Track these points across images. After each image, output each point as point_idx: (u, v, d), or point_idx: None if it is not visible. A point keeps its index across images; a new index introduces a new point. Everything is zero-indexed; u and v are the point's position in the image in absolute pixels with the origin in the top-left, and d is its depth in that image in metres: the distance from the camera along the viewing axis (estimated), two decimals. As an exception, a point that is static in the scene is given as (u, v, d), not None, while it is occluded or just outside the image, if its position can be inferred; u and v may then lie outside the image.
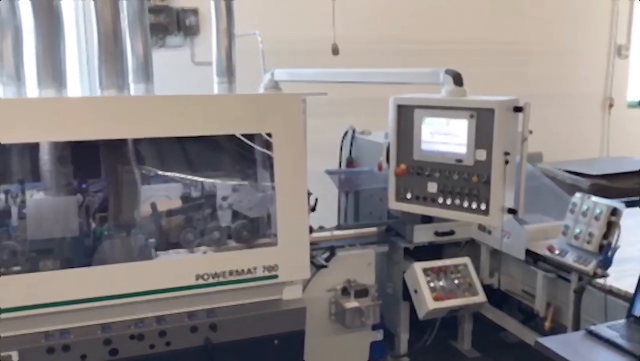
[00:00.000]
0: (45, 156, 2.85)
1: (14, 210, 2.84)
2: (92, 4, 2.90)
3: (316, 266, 3.26)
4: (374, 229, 3.69)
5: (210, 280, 2.86)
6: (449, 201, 2.78)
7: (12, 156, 3.02)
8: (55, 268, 2.75)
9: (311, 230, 3.14)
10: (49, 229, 2.80)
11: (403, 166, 2.87)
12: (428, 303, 3.41)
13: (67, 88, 2.95)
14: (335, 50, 3.51)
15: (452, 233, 3.75)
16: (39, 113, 2.68)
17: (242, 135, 3.10)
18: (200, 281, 2.84)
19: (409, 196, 2.89)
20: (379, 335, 3.58)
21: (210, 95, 3.22)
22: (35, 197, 2.87)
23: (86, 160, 3.01)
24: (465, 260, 3.67)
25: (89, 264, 2.80)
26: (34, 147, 2.85)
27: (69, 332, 2.69)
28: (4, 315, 2.60)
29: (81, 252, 2.83)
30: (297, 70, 3.48)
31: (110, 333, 2.71)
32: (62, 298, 2.68)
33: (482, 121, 2.62)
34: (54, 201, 2.86)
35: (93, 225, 2.91)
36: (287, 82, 3.64)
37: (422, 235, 3.68)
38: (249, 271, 2.91)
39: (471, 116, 2.66)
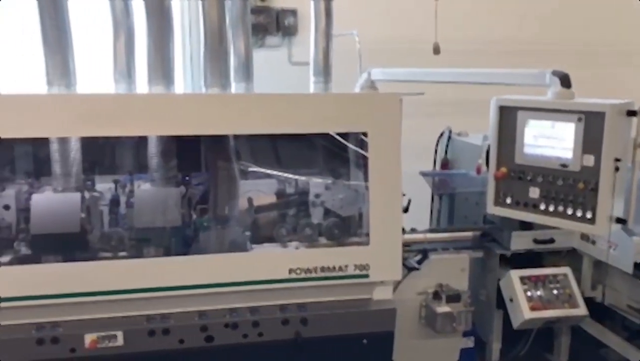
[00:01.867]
0: (152, 150, 3.02)
1: (123, 199, 3.04)
2: (199, 4, 3.03)
3: (408, 268, 3.23)
4: (468, 233, 3.59)
5: (303, 275, 2.90)
6: (551, 208, 2.67)
7: (122, 149, 3.24)
8: (158, 255, 2.90)
9: (403, 231, 3.11)
10: (154, 218, 2.96)
11: (503, 170, 2.79)
12: (524, 313, 3.28)
13: (174, 85, 3.10)
14: (437, 50, 3.44)
15: (552, 241, 3.58)
16: (149, 109, 2.83)
17: (337, 134, 3.13)
18: (293, 276, 2.89)
19: (508, 200, 2.80)
20: (469, 342, 3.49)
21: (308, 94, 3.27)
22: (142, 188, 3.06)
23: (189, 154, 3.17)
24: (566, 270, 3.50)
25: (188, 253, 2.94)
26: (142, 141, 3.03)
27: (169, 317, 2.82)
28: (111, 297, 2.77)
29: (182, 241, 2.97)
30: (394, 69, 3.46)
31: (207, 320, 2.82)
32: (163, 284, 2.82)
33: (591, 125, 2.49)
34: (159, 192, 3.02)
35: (194, 216, 3.05)
36: (383, 82, 3.63)
37: (520, 242, 3.53)
38: (340, 268, 2.93)
39: (579, 120, 2.53)
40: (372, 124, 2.92)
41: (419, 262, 3.29)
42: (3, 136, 2.72)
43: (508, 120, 2.74)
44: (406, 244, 3.14)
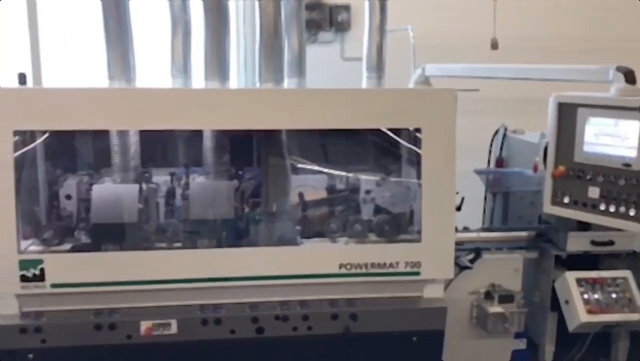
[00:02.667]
0: (207, 144, 3.08)
1: (178, 192, 3.11)
2: (255, 1, 3.07)
3: (460, 267, 3.18)
4: (523, 233, 3.50)
5: (353, 270, 2.90)
6: (612, 208, 2.58)
7: (178, 142, 3.32)
8: (211, 247, 2.96)
9: (456, 230, 3.07)
10: (208, 211, 3.02)
11: (562, 168, 2.71)
12: (580, 316, 3.18)
13: (229, 80, 3.15)
14: (495, 45, 3.37)
15: (611, 243, 3.45)
16: (204, 103, 2.89)
17: (390, 130, 3.11)
18: (343, 271, 2.89)
19: (566, 200, 2.72)
20: (521, 344, 3.41)
21: (361, 89, 3.26)
22: (197, 181, 3.12)
23: (243, 149, 3.22)
24: (626, 273, 3.37)
25: (240, 246, 2.98)
26: (197, 135, 3.09)
27: (221, 307, 2.87)
28: (165, 286, 2.85)
29: (234, 234, 3.02)
30: (449, 65, 3.42)
31: (258, 312, 2.86)
32: (215, 274, 2.87)
33: (658, 123, 2.38)
34: (213, 185, 3.08)
35: (246, 209, 3.09)
36: (437, 79, 3.59)
37: (577, 243, 3.42)
38: (391, 265, 2.91)
39: (645, 117, 2.43)
40: (426, 120, 2.89)
41: (472, 261, 3.24)
42: (65, 128, 2.84)
43: (568, 117, 2.65)
44: (458, 243, 3.09)
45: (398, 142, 3.18)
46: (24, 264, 2.71)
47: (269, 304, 2.90)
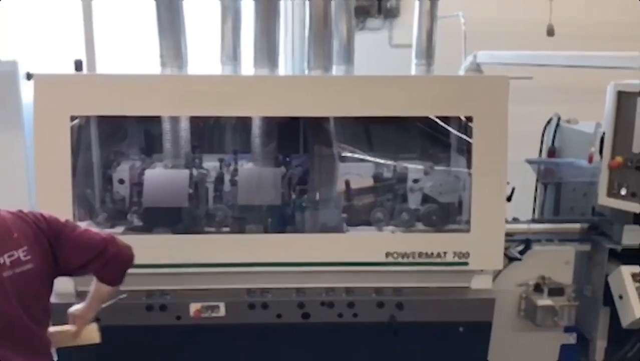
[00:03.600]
0: (255, 130, 3.10)
1: (227, 177, 3.16)
2: (305, -12, 3.06)
3: (509, 258, 3.12)
4: (575, 225, 3.40)
5: (400, 259, 2.89)
6: (672, 201, 2.47)
7: (227, 129, 3.36)
8: (258, 232, 2.99)
9: (505, 221, 3.01)
10: (255, 197, 3.06)
11: (619, 159, 2.62)
12: (635, 311, 3.08)
13: (278, 68, 3.16)
14: (551, 31, 3.25)
15: (669, 237, 3.32)
16: (254, 90, 2.91)
17: (439, 118, 3.06)
18: (390, 259, 2.89)
19: (623, 192, 2.64)
20: (571, 338, 3.33)
21: (411, 76, 3.22)
22: (245, 167, 3.16)
23: (290, 136, 3.23)
24: (685, 270, 3.23)
25: (287, 232, 3.01)
26: (246, 122, 3.12)
27: (268, 292, 2.91)
28: (212, 269, 2.90)
29: (281, 220, 3.05)
30: (502, 52, 3.33)
31: (304, 297, 2.88)
32: (263, 259, 2.91)
33: None
34: (261, 171, 3.11)
35: (293, 196, 3.11)
36: (488, 66, 3.50)
37: (633, 237, 3.29)
38: (439, 255, 2.89)
39: None
40: (478, 108, 2.84)
41: (521, 252, 3.17)
42: (119, 114, 2.92)
43: (626, 106, 2.56)
44: (508, 234, 3.03)
45: (447, 130, 3.13)
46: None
47: (315, 290, 2.92)
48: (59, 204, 2.76)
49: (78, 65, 3.07)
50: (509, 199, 3.04)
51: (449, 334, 2.90)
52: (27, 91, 4.81)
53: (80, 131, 2.91)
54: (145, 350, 2.86)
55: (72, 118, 2.80)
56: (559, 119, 3.99)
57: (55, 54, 5.38)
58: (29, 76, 4.80)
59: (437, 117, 3.04)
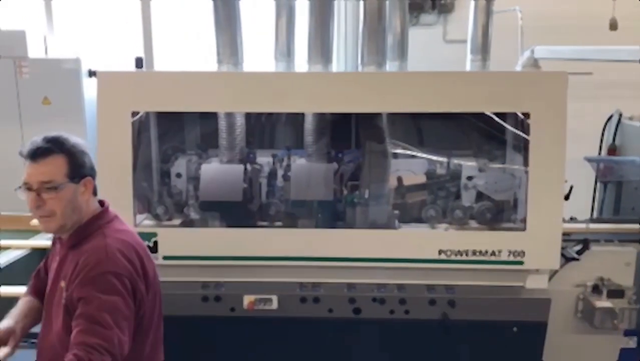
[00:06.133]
0: (308, 126, 3.13)
1: (280, 173, 3.20)
2: (360, -16, 3.06)
3: (566, 258, 3.04)
4: (636, 226, 3.29)
5: (453, 257, 2.86)
6: None
7: (280, 125, 3.40)
8: (310, 227, 3.03)
9: (562, 220, 2.93)
10: (307, 192, 3.09)
11: (686, 157, 2.50)
12: (699, 317, 2.96)
13: (332, 64, 3.17)
14: (614, 25, 3.13)
15: None
16: (308, 86, 2.94)
17: (495, 114, 3.01)
18: (443, 257, 2.86)
19: (689, 192, 2.51)
20: (631, 342, 3.21)
21: (466, 72, 3.18)
22: (298, 162, 3.19)
23: (343, 132, 3.24)
24: None
25: (339, 227, 3.02)
26: (299, 117, 3.15)
27: (320, 286, 2.93)
28: (267, 262, 2.95)
29: (333, 215, 3.07)
30: (562, 47, 3.26)
31: (355, 293, 2.89)
32: (314, 254, 2.94)
33: None
34: (313, 167, 3.14)
35: (345, 192, 3.13)
36: (546, 62, 3.42)
37: (699, 239, 3.17)
38: (493, 253, 2.84)
39: None
40: (535, 105, 2.78)
41: (579, 252, 3.08)
42: (177, 110, 3.00)
43: (695, 103, 2.45)
44: (565, 233, 2.96)
45: (503, 127, 3.07)
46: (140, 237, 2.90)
47: (367, 286, 2.93)
48: (120, 198, 2.84)
49: (139, 62, 3.18)
50: (566, 197, 2.97)
51: (502, 334, 2.86)
52: (88, 88, 5.04)
53: (140, 126, 3.01)
54: (200, 340, 2.93)
55: (133, 114, 2.90)
56: (620, 115, 3.87)
57: (115, 52, 5.59)
58: (90, 73, 5.04)
59: (494, 113, 2.99)
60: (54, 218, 2.00)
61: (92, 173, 2.06)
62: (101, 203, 2.16)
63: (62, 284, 2.02)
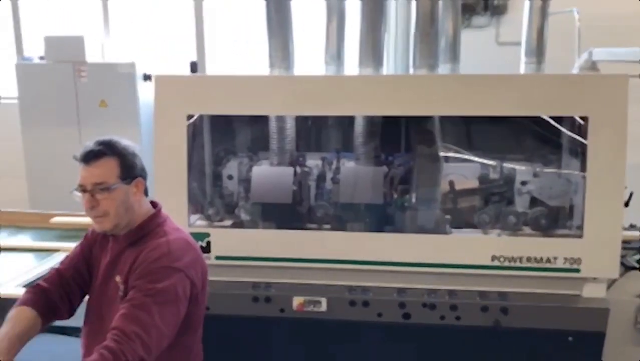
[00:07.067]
0: (358, 129, 3.13)
1: (329, 175, 3.21)
2: (412, -13, 3.05)
3: (625, 267, 2.94)
4: (702, 235, 3.16)
5: (506, 263, 2.81)
6: None
7: (329, 128, 3.42)
8: (359, 230, 3.02)
9: (622, 227, 2.84)
10: (357, 195, 3.09)
11: None
12: None
13: (383, 67, 3.16)
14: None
15: None
16: (358, 90, 2.94)
17: (551, 118, 2.94)
18: (496, 263, 2.81)
19: None
20: (694, 358, 3.08)
21: (521, 75, 3.12)
22: (347, 165, 3.20)
23: (393, 135, 3.23)
24: None
25: (388, 231, 3.01)
26: (348, 120, 3.16)
27: (369, 290, 2.92)
28: (316, 265, 2.96)
29: (383, 219, 3.06)
30: (621, 49, 3.15)
31: (405, 297, 2.87)
32: (364, 257, 2.93)
33: None
34: (363, 170, 3.13)
35: (395, 195, 3.11)
36: (605, 64, 3.32)
37: None
38: (548, 260, 2.77)
39: None
40: (594, 108, 2.70)
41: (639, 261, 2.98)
42: (230, 113, 3.05)
43: None
44: (625, 241, 2.86)
45: (559, 130, 3.00)
46: (193, 237, 2.95)
47: (417, 291, 2.90)
48: (175, 199, 2.93)
49: (193, 66, 3.26)
50: (626, 204, 2.87)
51: (557, 343, 2.78)
52: (143, 91, 5.20)
53: (194, 129, 3.07)
54: (250, 340, 2.97)
55: (188, 117, 2.96)
56: (684, 119, 3.70)
57: (167, 56, 5.74)
58: (145, 77, 5.19)
59: (550, 117, 2.92)
60: (107, 218, 2.07)
61: (142, 174, 2.13)
62: (153, 203, 2.22)
63: (118, 279, 2.08)
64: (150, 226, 2.13)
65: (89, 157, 2.05)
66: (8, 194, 5.17)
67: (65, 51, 5.22)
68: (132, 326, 1.90)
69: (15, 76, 5.44)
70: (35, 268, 3.18)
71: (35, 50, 5.66)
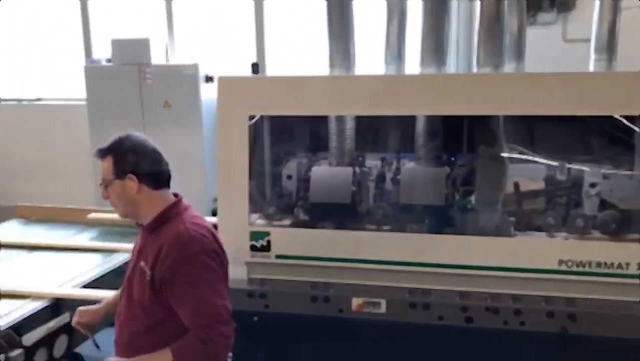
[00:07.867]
0: (419, 129, 3.09)
1: (388, 176, 3.18)
2: (477, -15, 2.98)
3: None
4: None
5: (574, 268, 2.71)
6: None
7: (389, 128, 3.39)
8: (420, 232, 2.98)
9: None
10: (417, 196, 3.05)
11: None
12: None
13: (446, 66, 3.11)
14: None
15: None
16: (419, 89, 2.90)
17: (623, 117, 2.82)
18: (563, 268, 2.71)
19: None
20: None
21: (592, 72, 3.01)
22: (408, 166, 3.16)
23: (455, 135, 3.17)
24: None
25: (450, 233, 2.95)
26: (409, 120, 3.12)
27: (430, 293, 2.88)
28: (375, 266, 2.94)
29: (444, 220, 3.00)
30: (701, 44, 2.98)
31: (468, 301, 2.81)
32: (424, 260, 2.89)
33: None
34: (424, 171, 3.09)
35: (457, 197, 3.05)
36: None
37: None
38: (620, 266, 2.66)
39: None
40: (670, 107, 2.57)
41: None
42: (291, 113, 3.07)
43: None
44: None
45: (631, 130, 2.86)
46: (254, 236, 3.01)
47: (479, 294, 2.83)
48: (237, 198, 2.99)
49: (255, 67, 3.29)
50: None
51: (628, 353, 2.65)
52: (205, 92, 5.31)
53: (255, 129, 3.11)
54: (308, 339, 2.98)
55: (250, 118, 3.00)
56: None
57: (227, 57, 5.85)
58: (207, 78, 5.30)
59: (623, 116, 2.80)
60: (117, 209, 2.33)
61: (137, 170, 2.24)
62: (175, 195, 2.37)
63: (142, 264, 2.24)
64: (169, 214, 2.27)
65: (98, 156, 2.30)
66: (77, 195, 5.38)
67: (131, 53, 5.39)
68: (204, 318, 2.12)
69: (83, 78, 5.66)
70: (94, 268, 3.35)
71: (102, 52, 5.86)
